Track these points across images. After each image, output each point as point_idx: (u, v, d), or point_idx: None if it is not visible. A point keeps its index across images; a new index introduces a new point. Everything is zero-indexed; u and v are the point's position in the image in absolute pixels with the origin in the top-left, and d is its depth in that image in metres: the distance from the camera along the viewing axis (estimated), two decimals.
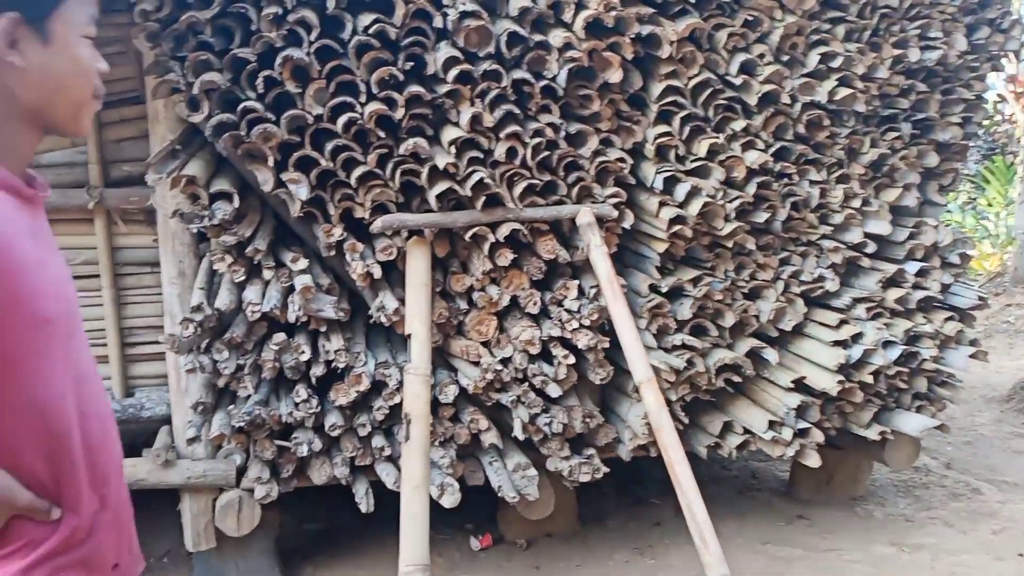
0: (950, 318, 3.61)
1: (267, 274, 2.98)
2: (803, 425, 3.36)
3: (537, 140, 2.98)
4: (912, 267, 3.55)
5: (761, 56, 3.19)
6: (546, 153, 3.03)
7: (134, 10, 2.75)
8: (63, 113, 1.14)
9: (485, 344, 3.14)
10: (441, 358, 3.23)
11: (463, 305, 3.13)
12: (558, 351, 3.14)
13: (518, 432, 3.18)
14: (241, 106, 2.78)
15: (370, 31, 2.76)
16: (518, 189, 3.01)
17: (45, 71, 1.10)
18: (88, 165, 3.28)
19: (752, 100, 3.20)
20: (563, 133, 3.04)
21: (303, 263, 2.97)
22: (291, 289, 2.96)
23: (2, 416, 1.04)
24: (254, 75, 2.76)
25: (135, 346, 3.55)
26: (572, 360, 3.14)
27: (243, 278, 2.99)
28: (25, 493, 1.07)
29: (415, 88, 2.84)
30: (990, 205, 13.79)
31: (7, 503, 1.06)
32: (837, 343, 3.35)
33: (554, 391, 3.14)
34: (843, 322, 3.41)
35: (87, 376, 1.16)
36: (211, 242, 2.98)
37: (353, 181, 2.89)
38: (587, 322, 3.12)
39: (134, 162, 3.31)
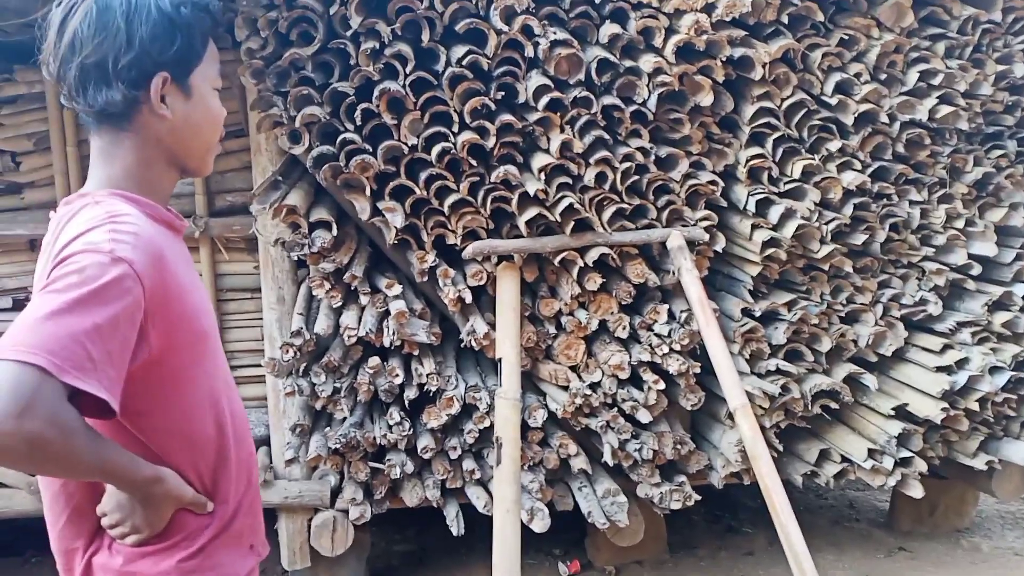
0: None
1: (363, 299, 3.06)
2: (905, 454, 3.24)
3: (627, 165, 2.98)
4: (1020, 289, 3.39)
5: (858, 75, 3.12)
6: (636, 177, 3.02)
7: (239, 48, 2.89)
8: (195, 155, 1.30)
9: (574, 368, 3.15)
10: (530, 382, 3.24)
11: (552, 329, 3.14)
12: (648, 376, 3.11)
13: (608, 458, 3.17)
14: (340, 138, 2.87)
15: (463, 62, 2.82)
16: (607, 213, 3.01)
17: (187, 121, 1.25)
18: (194, 196, 3.43)
19: (848, 120, 3.13)
20: (653, 157, 3.03)
21: (397, 289, 3.03)
22: (386, 314, 3.03)
23: (175, 418, 1.19)
24: (352, 108, 2.85)
25: (236, 369, 3.66)
26: (662, 385, 3.11)
27: (340, 303, 3.07)
28: (189, 490, 1.21)
29: (506, 117, 2.88)
30: None
31: (176, 500, 1.20)
32: (941, 369, 3.23)
33: (644, 416, 3.12)
34: (947, 347, 3.28)
35: (229, 380, 1.33)
36: (310, 269, 3.07)
37: (446, 209, 2.94)
38: (678, 347, 3.09)
39: (237, 192, 3.45)
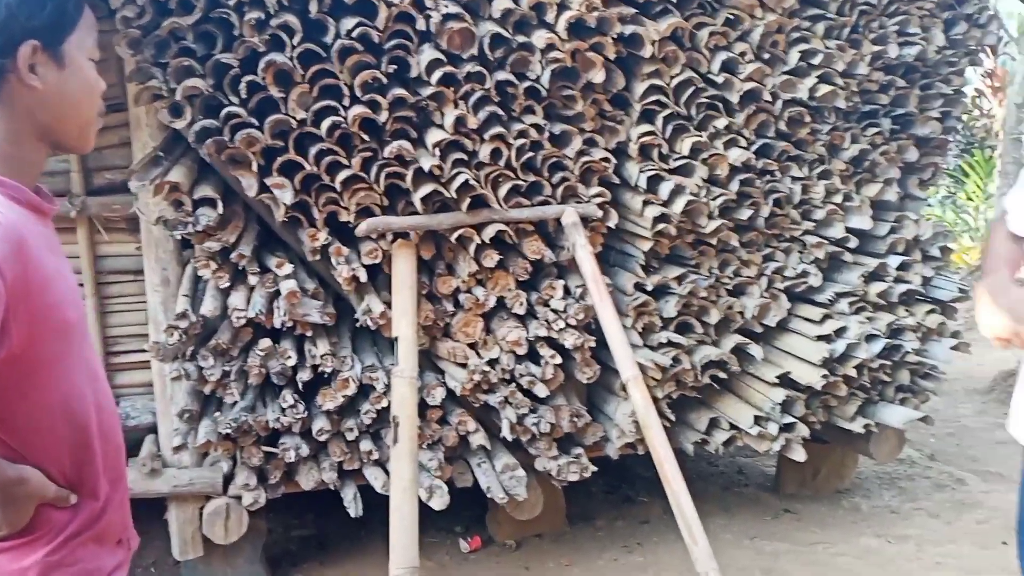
0: (932, 311, 3.64)
1: (252, 280, 2.97)
2: (788, 420, 3.39)
3: (521, 141, 2.98)
4: (894, 261, 3.58)
5: (743, 54, 3.21)
6: (530, 154, 3.03)
7: (115, 17, 2.74)
8: (72, 131, 1.23)
9: (472, 346, 3.15)
10: (428, 360, 3.23)
11: (449, 307, 3.13)
12: (545, 351, 3.14)
13: (506, 433, 3.19)
14: (224, 111, 2.76)
15: (353, 35, 2.75)
16: (503, 190, 3.01)
17: (60, 93, 1.18)
18: (70, 173, 3.25)
19: (734, 98, 3.22)
20: (547, 134, 3.04)
21: (288, 268, 2.96)
22: (276, 294, 2.95)
23: (36, 414, 1.14)
24: (237, 80, 2.75)
25: (119, 355, 3.51)
26: (559, 360, 3.15)
27: (228, 284, 2.97)
28: (51, 486, 1.16)
29: (399, 91, 2.84)
30: (970, 199, 13.93)
31: (37, 496, 1.15)
32: (821, 338, 3.38)
33: (541, 391, 3.15)
34: (826, 317, 3.44)
35: (96, 372, 1.28)
36: (195, 248, 2.96)
37: (338, 185, 2.88)
38: (573, 322, 3.13)
39: (116, 170, 3.28)
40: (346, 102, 2.82)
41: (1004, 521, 3.83)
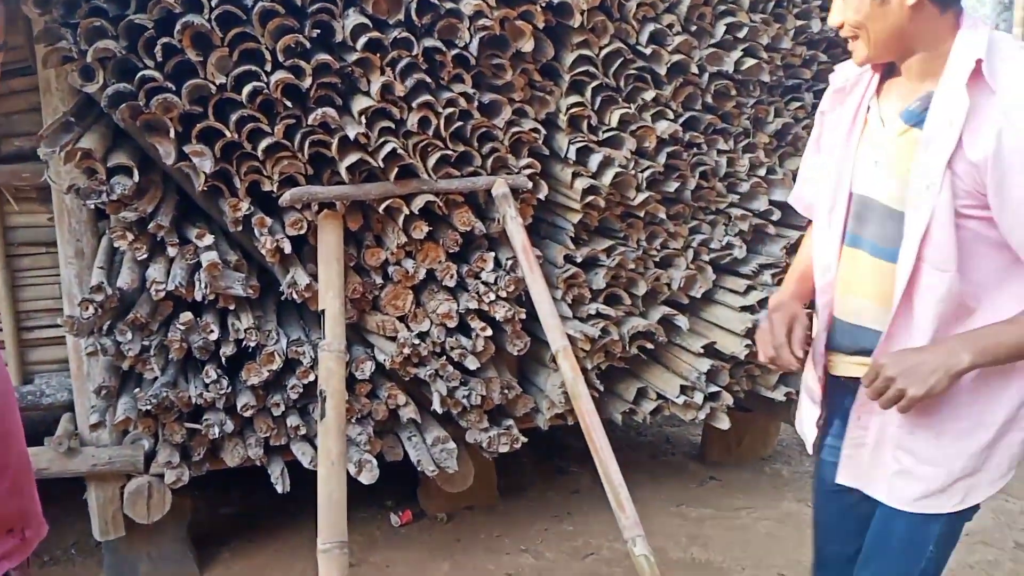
0: None
1: (171, 251, 2.87)
2: (713, 389, 3.45)
3: (450, 110, 2.94)
4: None
5: (670, 26, 3.23)
6: (459, 123, 3.00)
7: None
8: None
9: (402, 319, 3.11)
10: (357, 334, 3.18)
11: (378, 280, 3.08)
12: (476, 324, 3.13)
13: (437, 406, 3.18)
14: (139, 75, 2.65)
15: None
16: (432, 160, 2.97)
17: None
18: None
19: (662, 70, 3.24)
20: (476, 103, 3.01)
21: (209, 239, 2.87)
22: (197, 266, 2.86)
23: None
24: (152, 43, 2.64)
25: (32, 330, 3.39)
26: (490, 332, 3.14)
27: (146, 256, 2.87)
28: None
29: (323, 56, 2.76)
30: None
31: None
32: (744, 308, 3.45)
33: (472, 364, 3.14)
34: (750, 288, 3.51)
35: None
36: (110, 219, 2.84)
37: (260, 153, 2.80)
38: (504, 294, 3.12)
39: (25, 136, 3.14)
40: (268, 67, 2.74)
41: None
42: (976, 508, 1.69)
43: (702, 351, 3.43)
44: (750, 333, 3.43)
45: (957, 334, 1.58)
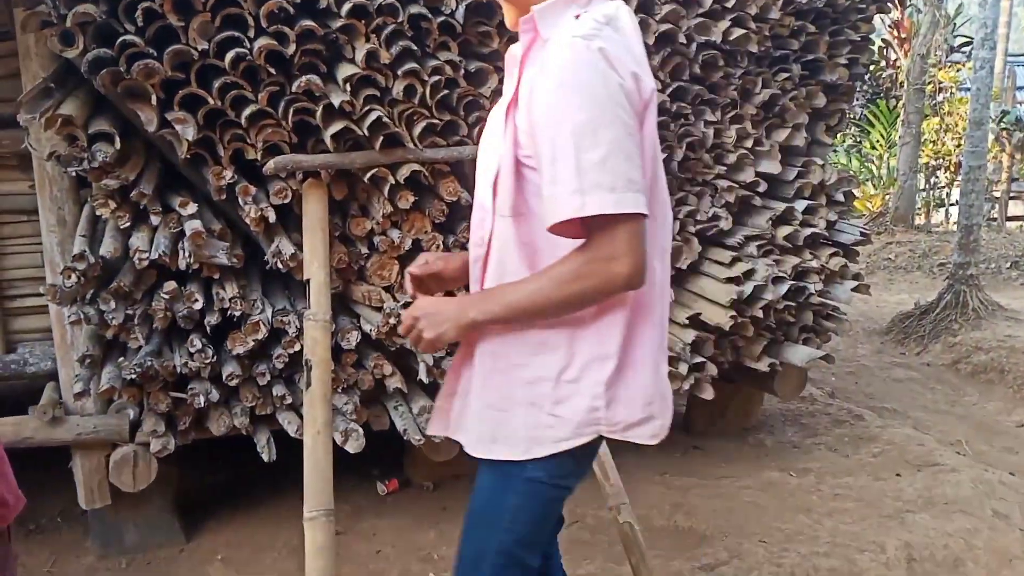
0: (835, 254, 3.77)
1: (154, 220, 2.85)
2: (698, 359, 3.47)
3: (436, 78, 2.92)
4: (800, 205, 3.68)
5: None
6: (445, 92, 2.97)
7: None
8: None
9: (388, 289, 3.11)
10: (342, 304, 3.18)
11: (364, 250, 3.07)
12: (461, 293, 3.13)
13: (423, 375, 3.18)
14: (120, 40, 2.61)
15: None
16: (418, 129, 2.95)
17: None
18: None
19: (650, 40, 3.21)
20: (463, 71, 2.98)
21: (193, 208, 2.84)
22: (181, 235, 2.84)
23: None
24: (133, 7, 2.59)
25: (15, 299, 3.35)
26: None
27: (128, 224, 2.85)
28: None
29: (307, 23, 2.72)
30: (874, 148, 14.43)
31: None
32: (730, 280, 3.47)
33: None
34: (736, 259, 3.52)
35: None
36: (92, 187, 2.81)
37: (243, 121, 2.77)
38: None
39: (5, 103, 3.08)
40: (251, 33, 2.70)
41: (898, 454, 4.06)
42: (567, 488, 1.65)
43: (687, 322, 3.45)
44: (735, 304, 3.45)
45: (478, 291, 1.63)
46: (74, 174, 2.79)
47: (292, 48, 2.72)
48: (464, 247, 3.10)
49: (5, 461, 1.27)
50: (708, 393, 3.53)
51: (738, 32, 3.33)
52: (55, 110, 2.62)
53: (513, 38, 3.04)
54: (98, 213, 2.85)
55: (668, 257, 1.68)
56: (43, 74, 2.81)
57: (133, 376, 2.87)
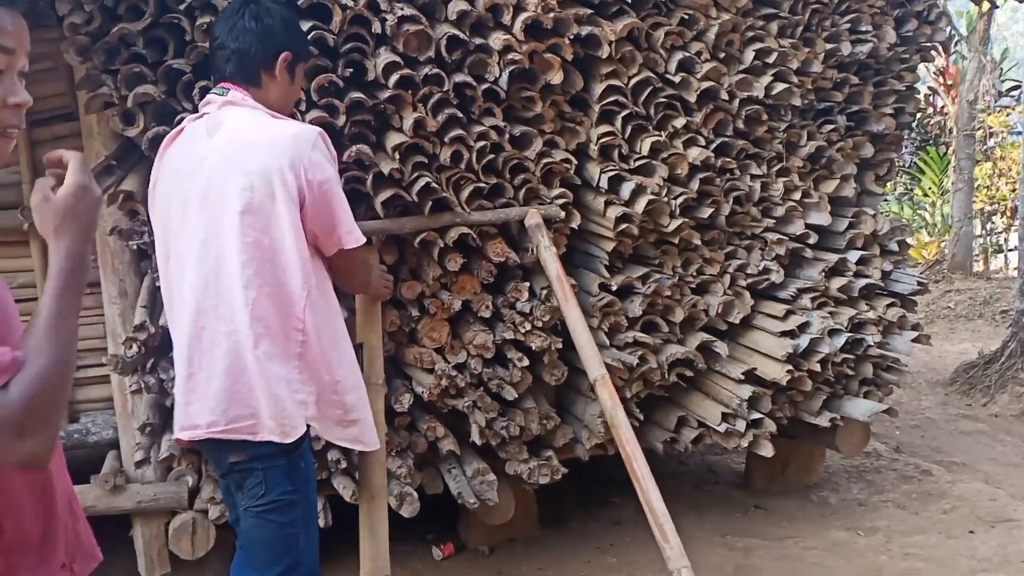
0: (892, 304, 3.69)
1: None
2: (756, 416, 3.40)
3: (482, 143, 2.97)
4: (853, 256, 3.63)
5: (699, 54, 3.24)
6: (491, 156, 3.02)
7: (63, 24, 2.69)
8: None
9: (439, 350, 3.12)
10: (394, 367, 3.20)
11: (415, 312, 3.10)
12: (512, 354, 3.13)
13: (476, 437, 3.17)
14: (177, 118, 2.72)
15: (308, 38, 2.72)
16: (465, 193, 3.00)
17: None
18: (21, 185, 3.18)
19: (692, 97, 3.25)
20: (507, 136, 3.04)
21: None
22: None
23: None
24: (190, 86, 2.71)
25: (78, 370, 3.44)
26: (527, 362, 3.13)
27: None
28: None
29: (356, 94, 2.81)
30: (926, 195, 14.20)
31: None
32: (785, 333, 3.41)
33: (510, 394, 3.13)
34: (789, 312, 3.47)
35: None
36: (152, 259, 2.91)
37: None
38: (540, 323, 3.12)
39: None
40: (303, 107, 2.79)
41: (970, 510, 3.90)
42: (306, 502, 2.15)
43: (742, 377, 3.39)
44: (791, 358, 3.38)
45: None
46: (135, 247, 2.89)
47: (342, 119, 2.81)
48: (513, 307, 3.12)
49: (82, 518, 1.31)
50: (767, 450, 3.45)
51: (780, 87, 3.35)
52: (117, 186, 2.73)
53: (556, 102, 3.11)
54: (157, 284, 2.93)
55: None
56: (105, 152, 2.94)
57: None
